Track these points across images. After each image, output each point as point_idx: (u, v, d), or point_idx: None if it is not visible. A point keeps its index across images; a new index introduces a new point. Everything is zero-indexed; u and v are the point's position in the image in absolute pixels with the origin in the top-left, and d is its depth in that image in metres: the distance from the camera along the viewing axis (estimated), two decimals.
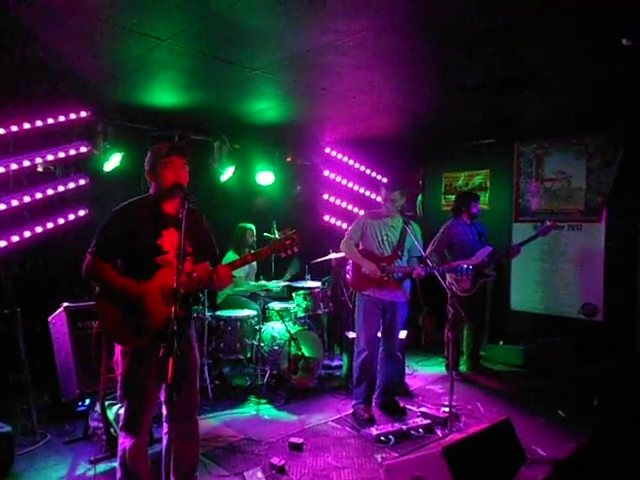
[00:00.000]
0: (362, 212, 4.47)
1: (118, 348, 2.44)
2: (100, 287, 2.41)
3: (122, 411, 2.48)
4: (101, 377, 2.52)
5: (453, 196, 6.59)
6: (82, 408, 3.72)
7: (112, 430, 3.28)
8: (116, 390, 2.52)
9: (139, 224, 2.42)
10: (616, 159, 5.15)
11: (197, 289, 2.66)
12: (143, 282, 2.37)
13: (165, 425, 2.55)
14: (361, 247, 4.12)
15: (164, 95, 4.24)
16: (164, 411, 2.52)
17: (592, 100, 4.40)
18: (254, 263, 5.28)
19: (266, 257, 2.58)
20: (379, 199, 4.17)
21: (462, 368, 5.25)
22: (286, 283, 5.20)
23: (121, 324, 2.37)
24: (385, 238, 4.02)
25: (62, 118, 4.17)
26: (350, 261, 4.19)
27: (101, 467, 3.10)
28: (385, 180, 4.22)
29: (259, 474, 2.98)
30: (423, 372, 5.32)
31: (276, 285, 5.06)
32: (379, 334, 4.10)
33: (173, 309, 2.02)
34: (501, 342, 5.78)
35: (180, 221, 2.27)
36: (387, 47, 3.21)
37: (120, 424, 2.50)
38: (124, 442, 2.46)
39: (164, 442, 2.56)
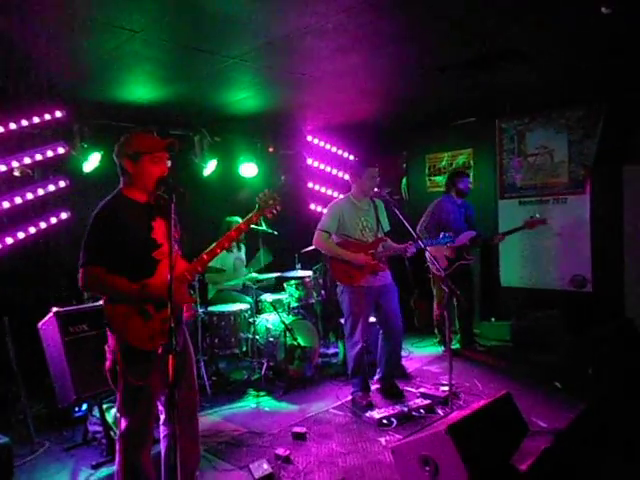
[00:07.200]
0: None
1: (118, 355, 2.25)
2: (105, 295, 2.28)
3: (123, 422, 2.30)
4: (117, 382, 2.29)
5: (437, 177, 6.62)
6: (79, 414, 3.68)
7: (112, 433, 3.24)
8: (113, 392, 2.42)
9: (129, 221, 2.29)
10: (596, 130, 5.19)
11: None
12: (146, 280, 2.25)
13: (163, 428, 2.47)
14: (339, 239, 3.89)
15: (140, 90, 4.14)
16: (161, 414, 2.45)
17: (571, 73, 4.40)
18: (242, 256, 5.25)
19: (244, 231, 2.58)
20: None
21: (456, 346, 5.30)
22: (276, 275, 5.13)
23: (141, 325, 2.24)
24: (365, 224, 3.91)
25: (37, 119, 4.06)
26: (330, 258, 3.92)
27: (103, 471, 3.06)
28: (357, 159, 4.08)
29: (265, 465, 2.96)
30: (419, 353, 5.36)
31: (265, 276, 4.99)
32: (372, 319, 4.06)
33: (169, 304, 1.92)
34: (493, 319, 5.85)
35: (162, 209, 2.30)
36: (366, 28, 3.16)
37: (121, 434, 2.31)
38: (126, 452, 2.30)
39: (163, 445, 2.48)
